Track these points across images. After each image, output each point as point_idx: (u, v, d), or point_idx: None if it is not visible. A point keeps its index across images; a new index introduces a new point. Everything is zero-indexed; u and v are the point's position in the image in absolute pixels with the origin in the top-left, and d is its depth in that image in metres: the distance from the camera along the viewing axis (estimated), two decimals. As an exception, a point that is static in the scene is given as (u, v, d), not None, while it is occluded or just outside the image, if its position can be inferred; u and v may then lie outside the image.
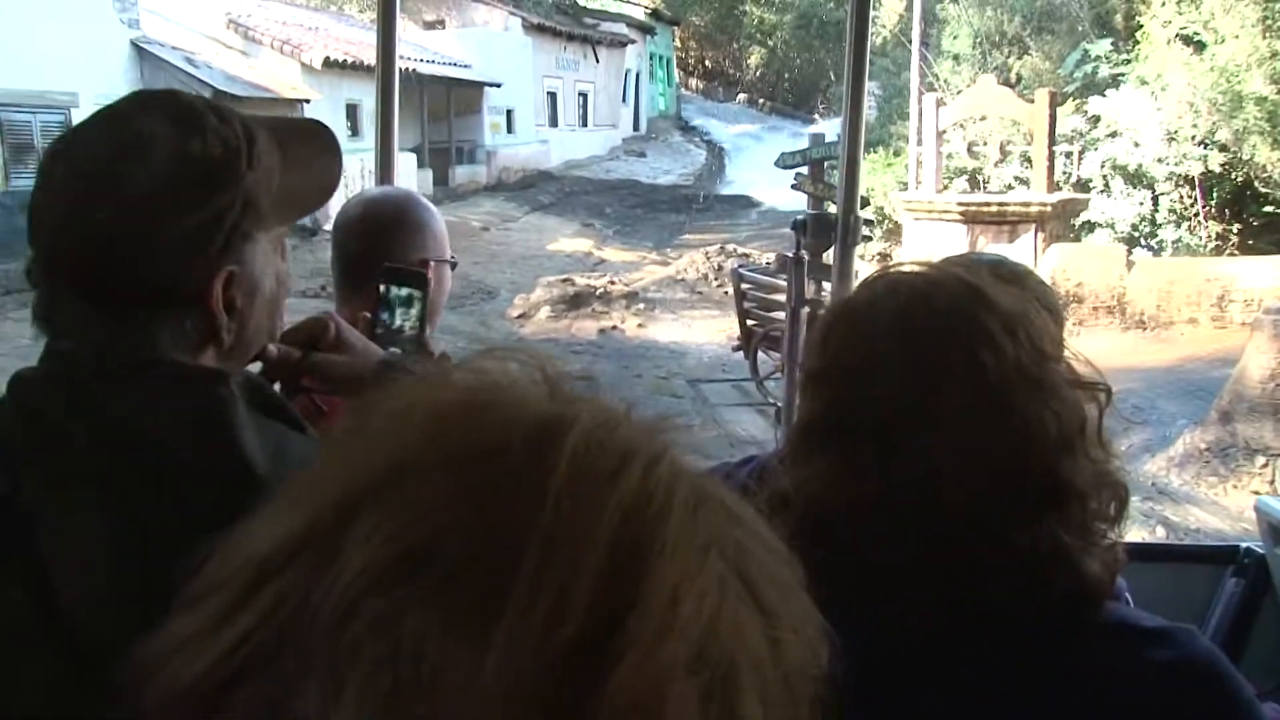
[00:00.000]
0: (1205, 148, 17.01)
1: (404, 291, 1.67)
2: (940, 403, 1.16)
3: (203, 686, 0.45)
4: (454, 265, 2.26)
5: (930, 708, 1.19)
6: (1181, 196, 17.48)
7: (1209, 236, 17.38)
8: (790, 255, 2.99)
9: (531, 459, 0.46)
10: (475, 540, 0.44)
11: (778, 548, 0.54)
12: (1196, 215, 17.42)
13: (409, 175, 23.53)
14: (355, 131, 23.82)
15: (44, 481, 1.11)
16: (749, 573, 0.49)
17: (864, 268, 14.51)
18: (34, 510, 1.08)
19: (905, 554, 1.17)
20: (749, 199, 30.67)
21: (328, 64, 24.27)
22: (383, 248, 2.04)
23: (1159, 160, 17.29)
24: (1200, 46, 17.30)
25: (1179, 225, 17.48)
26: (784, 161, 9.46)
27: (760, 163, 27.23)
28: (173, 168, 1.17)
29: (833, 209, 2.67)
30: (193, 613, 0.48)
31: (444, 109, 29.65)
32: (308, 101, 22.20)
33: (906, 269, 1.30)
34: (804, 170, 9.21)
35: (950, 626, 1.17)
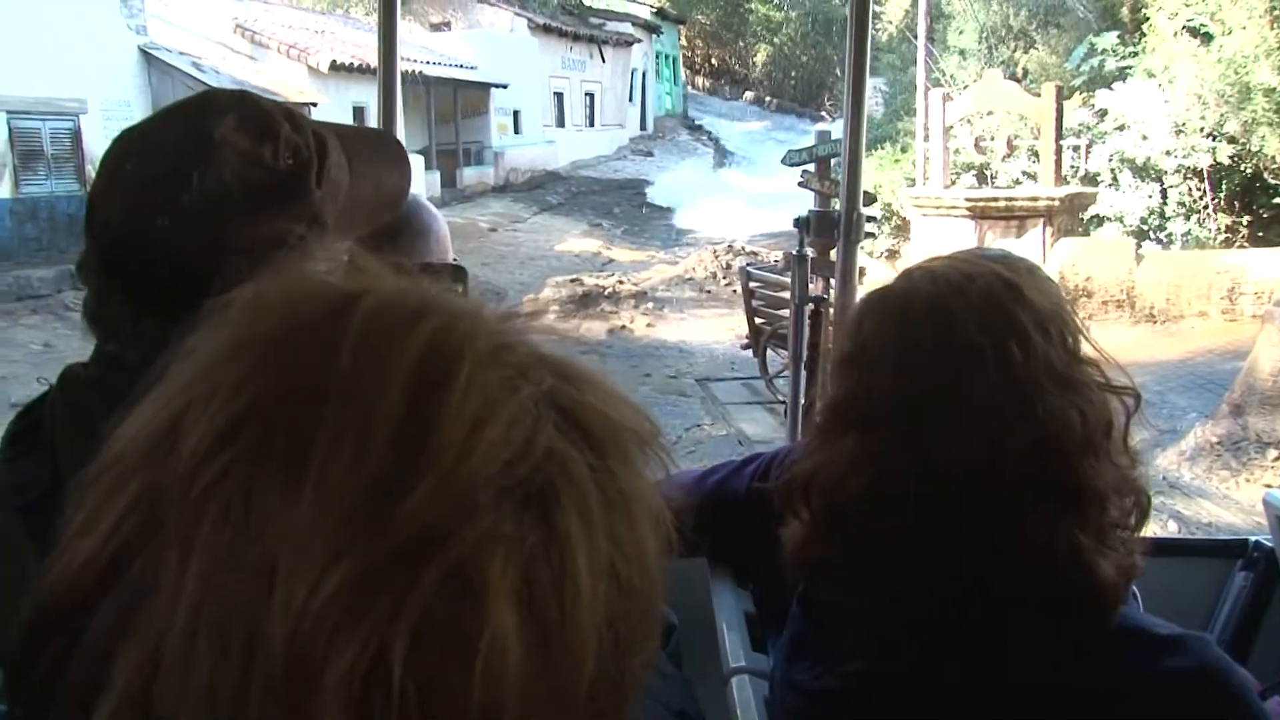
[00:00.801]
0: (1214, 140, 16.96)
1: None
2: (967, 393, 1.17)
3: (81, 582, 0.51)
4: (463, 275, 2.26)
5: (942, 703, 1.20)
6: (1190, 189, 17.43)
7: (1218, 229, 17.33)
8: (795, 253, 2.99)
9: (329, 325, 0.52)
10: (282, 401, 0.50)
11: (613, 393, 0.58)
12: (1205, 208, 17.37)
13: (417, 178, 23.48)
14: (362, 134, 23.77)
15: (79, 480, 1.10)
16: (569, 408, 0.54)
17: (871, 265, 14.52)
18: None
19: (923, 544, 1.18)
20: (666, 212, 30.05)
21: (334, 67, 24.34)
22: (387, 253, 2.04)
23: (1167, 153, 17.26)
24: (1207, 38, 17.24)
25: (1188, 218, 17.43)
26: (790, 160, 9.40)
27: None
28: (242, 177, 1.14)
29: (838, 206, 2.65)
30: (75, 517, 0.54)
31: (451, 111, 29.70)
32: (315, 105, 22.22)
33: (944, 261, 1.31)
34: (810, 168, 9.19)
35: (963, 622, 1.18)
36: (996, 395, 1.16)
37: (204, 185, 1.12)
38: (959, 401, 1.17)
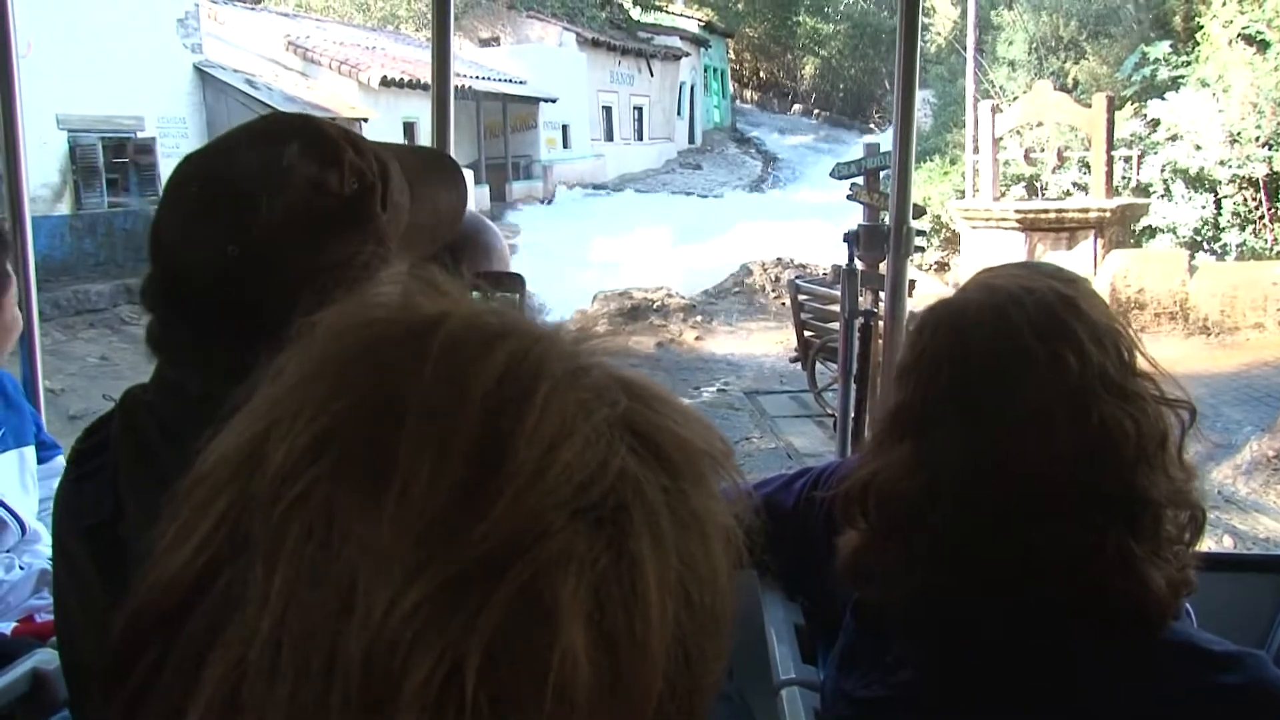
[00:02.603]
0: (1270, 149, 16.74)
1: (499, 295, 1.72)
2: (1020, 395, 1.18)
3: (173, 593, 0.53)
4: (523, 284, 2.30)
5: (991, 713, 1.21)
6: (1245, 199, 17.20)
7: (1274, 239, 17.06)
8: (844, 266, 3.00)
9: (411, 346, 0.54)
10: (364, 420, 0.52)
11: (686, 414, 0.59)
12: (1261, 218, 17.12)
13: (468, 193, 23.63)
14: (413, 150, 23.96)
15: (137, 509, 1.11)
16: (643, 430, 0.55)
17: (921, 277, 14.42)
18: (129, 537, 1.09)
19: (975, 549, 1.19)
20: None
21: (385, 83, 24.57)
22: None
23: (1221, 163, 17.04)
24: (1264, 45, 17.02)
25: (1243, 228, 17.20)
26: (838, 172, 9.43)
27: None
28: (310, 203, 1.13)
29: (888, 219, 2.65)
30: (166, 529, 0.56)
31: (500, 125, 29.86)
32: (365, 120, 22.46)
33: (1001, 274, 1.33)
34: (859, 180, 9.19)
35: (1014, 630, 1.19)
36: (1049, 399, 1.17)
37: (272, 212, 1.11)
38: (1011, 404, 1.19)
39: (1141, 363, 1.24)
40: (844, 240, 2.92)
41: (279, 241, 1.11)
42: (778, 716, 1.53)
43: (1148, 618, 1.18)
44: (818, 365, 12.00)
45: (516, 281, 1.74)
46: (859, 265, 3.19)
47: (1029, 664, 1.19)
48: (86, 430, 1.26)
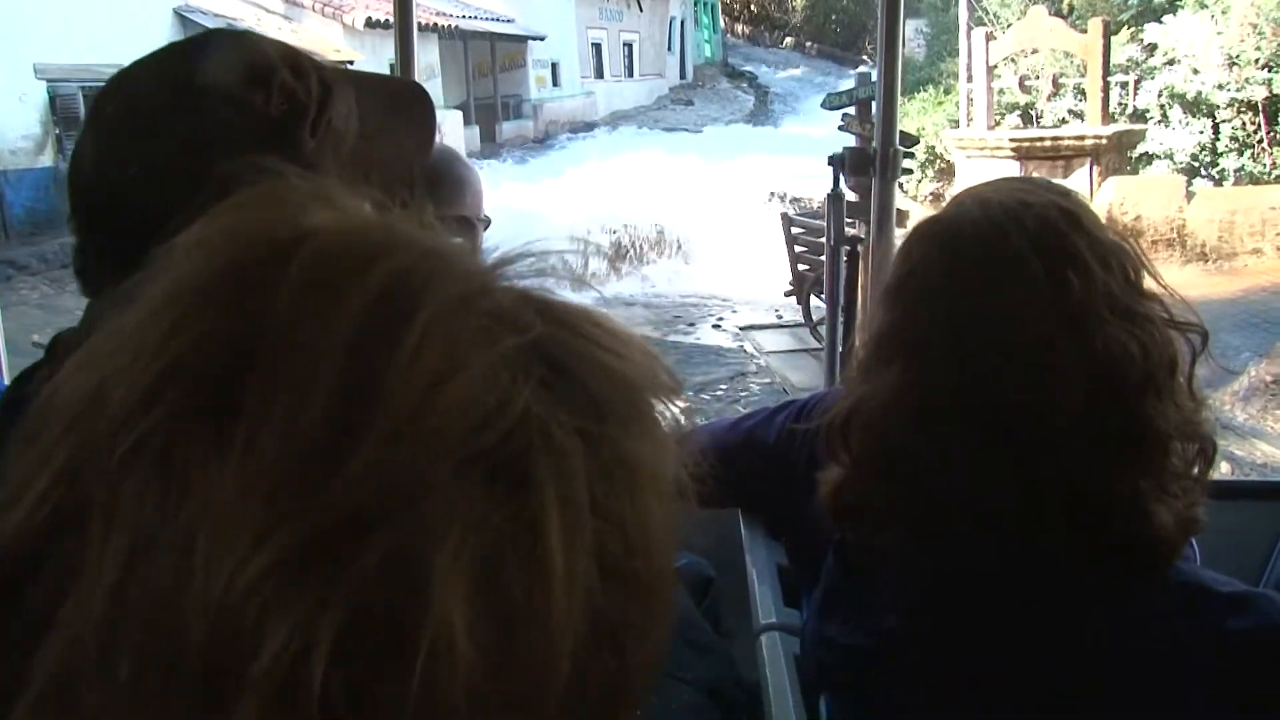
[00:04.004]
0: (1269, 71, 16.54)
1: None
2: (1018, 321, 1.09)
3: (7, 561, 0.46)
4: (488, 224, 2.23)
5: (982, 662, 1.13)
6: (1244, 123, 17.05)
7: (1273, 163, 16.92)
8: (829, 192, 2.88)
9: (267, 269, 0.46)
10: (210, 355, 0.44)
11: (621, 340, 0.51)
12: (1260, 142, 16.98)
13: (456, 133, 23.48)
14: (399, 91, 23.81)
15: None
16: (561, 361, 0.47)
17: (915, 209, 14.34)
18: None
19: (966, 485, 1.11)
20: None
21: (370, 24, 24.18)
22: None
23: (1220, 86, 16.88)
24: (1263, -36, 16.77)
25: (1241, 153, 17.07)
26: (829, 103, 9.34)
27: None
28: (227, 122, 1.06)
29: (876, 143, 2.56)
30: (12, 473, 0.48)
31: (488, 65, 29.56)
32: (351, 63, 22.16)
33: (998, 187, 1.23)
34: (850, 111, 9.10)
35: (1006, 572, 1.11)
36: (1050, 324, 1.08)
37: (182, 130, 1.05)
38: (1009, 329, 1.09)
39: (1149, 283, 1.15)
40: (829, 163, 2.81)
41: (185, 161, 1.03)
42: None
43: (1153, 558, 1.09)
44: (812, 298, 11.93)
45: (468, 226, 1.65)
46: (849, 194, 3.10)
47: (1024, 610, 1.11)
48: (14, 379, 1.20)
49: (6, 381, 2.57)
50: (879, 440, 1.18)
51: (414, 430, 0.42)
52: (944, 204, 1.26)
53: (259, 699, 0.39)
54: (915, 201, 17.03)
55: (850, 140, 8.82)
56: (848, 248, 2.92)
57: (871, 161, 2.51)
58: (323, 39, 23.35)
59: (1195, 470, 1.13)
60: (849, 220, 3.05)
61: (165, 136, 1.05)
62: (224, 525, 0.41)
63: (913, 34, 24.77)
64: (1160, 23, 17.99)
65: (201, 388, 0.43)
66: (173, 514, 0.41)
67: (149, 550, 0.41)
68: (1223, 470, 7.46)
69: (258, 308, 0.44)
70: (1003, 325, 1.10)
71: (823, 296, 11.31)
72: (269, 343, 0.44)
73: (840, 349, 2.72)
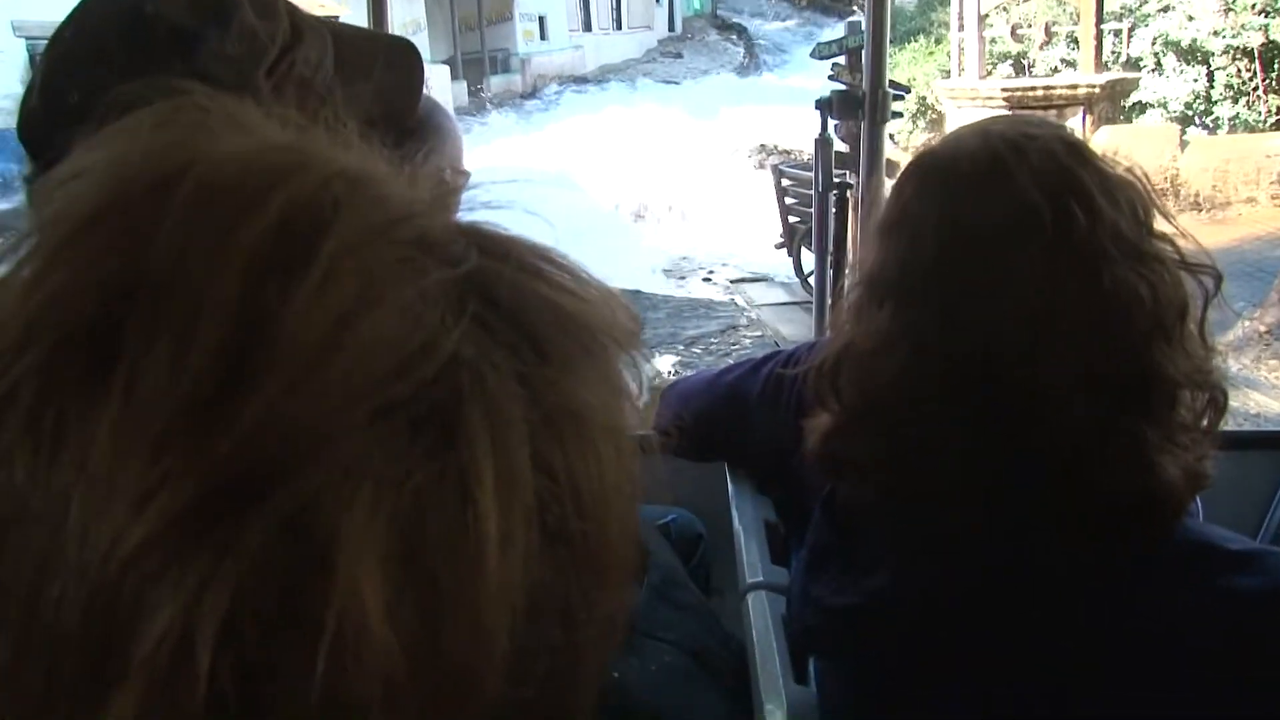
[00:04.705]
0: (1266, 16, 16.37)
1: None
2: (1019, 260, 1.01)
3: None
4: (467, 179, 2.17)
5: (976, 622, 1.07)
6: (1239, 70, 16.90)
7: (1269, 111, 16.80)
8: (817, 137, 2.80)
9: (152, 197, 0.40)
10: (86, 296, 0.39)
11: (570, 274, 0.46)
12: (1255, 89, 16.85)
13: (443, 88, 23.31)
14: (387, 45, 23.69)
15: None
16: (500, 296, 0.42)
17: (905, 159, 14.24)
18: None
19: (958, 433, 1.04)
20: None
21: (355, -23, 24.01)
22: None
23: (1215, 33, 16.74)
24: (1261, -97, 16.60)
25: (1236, 101, 16.95)
26: (819, 52, 9.20)
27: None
28: (176, 57, 1.01)
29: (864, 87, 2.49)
30: None
31: (475, 18, 29.35)
32: (337, 18, 21.93)
33: (999, 119, 1.15)
34: (840, 60, 8.99)
35: (1001, 529, 1.04)
36: (1052, 260, 1.00)
37: (123, 59, 0.99)
38: (1008, 267, 1.01)
39: (1160, 223, 1.07)
40: (816, 107, 2.72)
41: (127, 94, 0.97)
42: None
43: (1160, 514, 1.02)
44: (803, 250, 11.87)
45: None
46: (840, 144, 3.04)
47: (1021, 570, 1.04)
48: None
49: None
50: (869, 387, 1.11)
51: (317, 376, 0.37)
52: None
53: (140, 687, 0.34)
54: (906, 153, 16.93)
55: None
56: (836, 194, 2.84)
57: (860, 104, 2.43)
58: (307, -8, 23.15)
59: (1205, 421, 1.06)
60: (838, 171, 2.98)
61: (107, 65, 0.99)
62: (100, 490, 0.35)
63: (904, -17, 24.61)
64: (1155, -32, 17.83)
65: (76, 336, 0.38)
66: (44, 478, 0.36)
67: (20, 520, 0.36)
68: (1217, 420, 7.46)
69: (139, 245, 0.39)
70: (1002, 267, 1.02)
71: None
72: (151, 283, 0.38)
73: (829, 299, 2.66)
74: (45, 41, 1.06)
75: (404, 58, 1.27)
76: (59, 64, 1.03)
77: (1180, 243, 1.08)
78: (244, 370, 0.36)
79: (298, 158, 0.43)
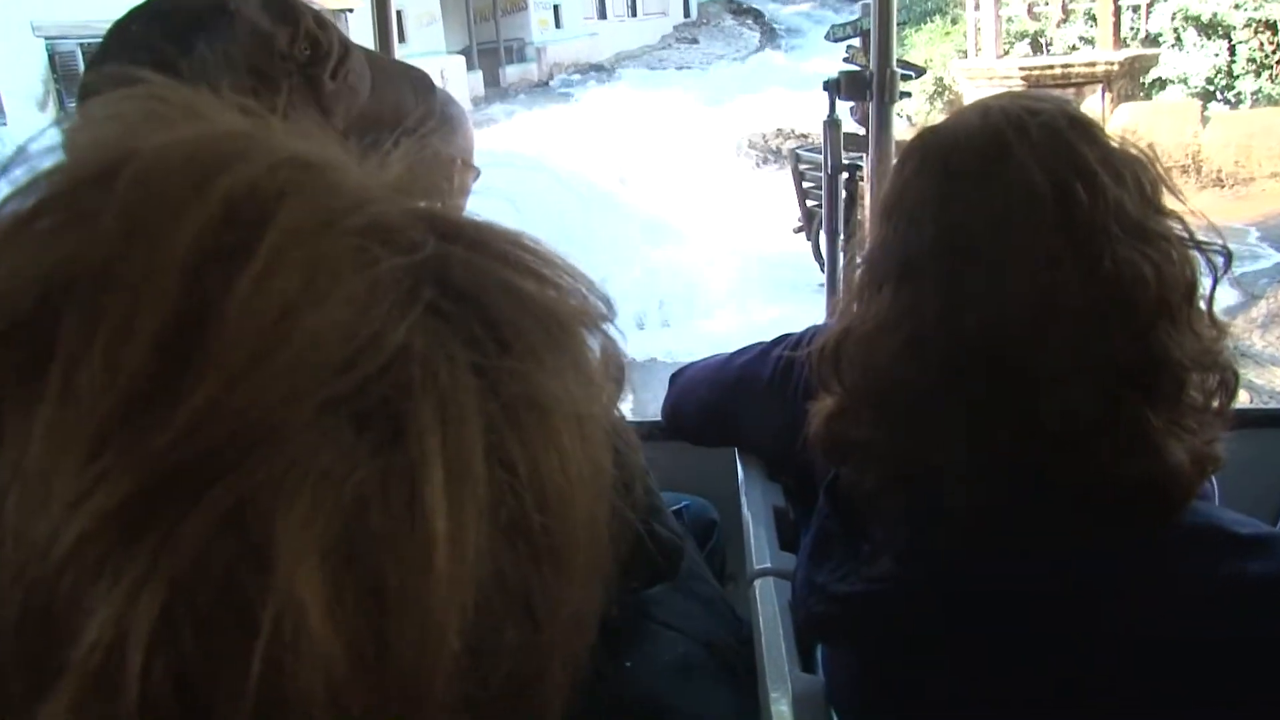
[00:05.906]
0: (1288, -12, 16.25)
1: None
2: (1019, 239, 0.99)
3: None
4: (477, 176, 2.16)
5: (980, 610, 1.05)
6: (1262, 44, 16.78)
7: (1291, 84, 16.67)
8: (825, 119, 2.76)
9: (91, 189, 0.39)
10: (25, 287, 0.37)
11: (538, 258, 0.44)
12: (1278, 62, 16.68)
13: (458, 79, 23.32)
14: (402, 38, 23.69)
15: None
16: (458, 283, 0.41)
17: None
18: None
19: (959, 417, 1.02)
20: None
21: (369, -29, 24.05)
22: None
23: (1236, 6, 16.61)
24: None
25: (1259, 75, 16.82)
26: (834, 34, 9.11)
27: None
28: (251, 55, 1.07)
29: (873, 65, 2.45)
30: None
31: (490, 8, 29.36)
32: (351, 10, 21.98)
33: (1002, 96, 1.12)
34: (855, 42, 8.93)
35: (1003, 515, 1.02)
36: (1055, 242, 0.97)
37: (207, 54, 1.03)
38: (1009, 247, 0.99)
39: (1168, 200, 1.04)
40: (824, 88, 2.68)
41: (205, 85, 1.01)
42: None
43: (1167, 498, 1.00)
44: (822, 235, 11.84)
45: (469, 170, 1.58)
46: (855, 126, 2.99)
47: (1026, 554, 1.02)
48: None
49: None
50: (870, 370, 1.10)
51: (258, 369, 0.36)
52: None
53: (74, 689, 0.33)
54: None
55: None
56: (845, 176, 2.81)
57: (868, 84, 2.40)
58: (320, -14, 23.19)
59: (1216, 402, 1.04)
60: (854, 153, 2.94)
61: (191, 59, 1.03)
62: (35, 489, 0.34)
63: (920, -37, 24.48)
64: (1173, -57, 17.68)
65: (13, 332, 0.37)
66: None
67: None
68: (1241, 399, 7.40)
69: (79, 236, 0.38)
70: (1003, 248, 1.00)
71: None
72: (90, 275, 0.37)
73: (840, 281, 2.62)
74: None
75: (424, 83, 1.35)
76: (137, 54, 1.06)
77: (1195, 216, 1.06)
78: (183, 363, 0.35)
79: (245, 144, 0.42)
